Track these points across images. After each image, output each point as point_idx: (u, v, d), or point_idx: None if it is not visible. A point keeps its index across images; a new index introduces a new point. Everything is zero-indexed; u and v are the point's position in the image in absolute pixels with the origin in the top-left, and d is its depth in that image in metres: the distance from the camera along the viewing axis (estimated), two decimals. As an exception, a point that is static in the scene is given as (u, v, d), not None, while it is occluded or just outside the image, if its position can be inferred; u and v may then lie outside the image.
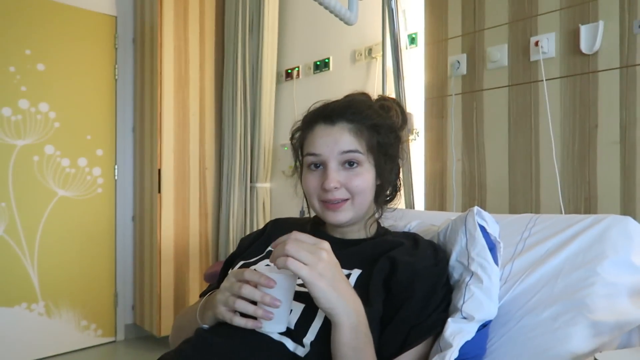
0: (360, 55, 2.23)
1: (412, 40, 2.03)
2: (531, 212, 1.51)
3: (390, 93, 1.92)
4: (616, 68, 1.42)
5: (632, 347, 0.79)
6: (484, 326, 0.83)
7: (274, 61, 2.66)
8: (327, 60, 2.41)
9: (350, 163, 0.91)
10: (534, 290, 0.88)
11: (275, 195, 2.70)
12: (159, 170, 2.63)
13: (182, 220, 2.72)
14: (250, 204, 2.67)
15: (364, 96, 1.01)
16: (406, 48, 2.03)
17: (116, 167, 2.84)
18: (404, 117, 1.01)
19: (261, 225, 2.65)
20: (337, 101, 0.97)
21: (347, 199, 0.91)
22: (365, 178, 0.91)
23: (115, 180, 2.84)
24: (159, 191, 2.63)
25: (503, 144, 1.65)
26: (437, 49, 1.86)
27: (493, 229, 0.91)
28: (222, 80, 2.87)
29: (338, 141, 0.90)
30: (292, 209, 2.54)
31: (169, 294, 2.67)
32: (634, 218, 1.27)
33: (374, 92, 2.12)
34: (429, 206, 1.85)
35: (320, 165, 0.93)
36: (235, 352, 0.78)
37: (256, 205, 2.65)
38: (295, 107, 2.60)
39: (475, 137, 1.72)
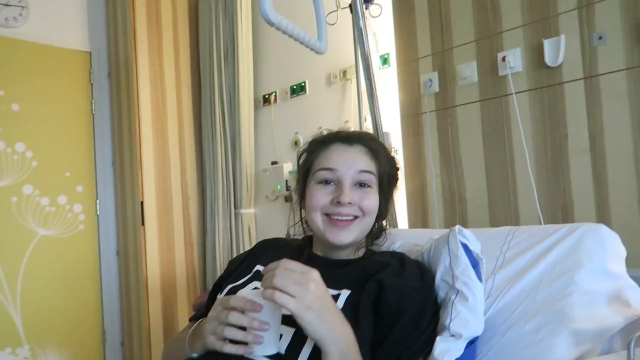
0: (335, 77, 2.28)
1: (385, 61, 2.08)
2: (511, 223, 1.55)
3: (366, 113, 1.97)
4: (580, 79, 1.48)
5: (614, 352, 0.82)
6: (472, 343, 0.85)
7: (250, 88, 2.69)
8: (303, 84, 2.45)
9: (362, 184, 0.94)
10: (515, 303, 0.91)
11: (260, 220, 2.71)
12: (142, 203, 2.62)
13: (167, 251, 2.70)
14: (236, 230, 2.67)
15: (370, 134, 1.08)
16: (379, 69, 2.08)
17: (97, 202, 2.82)
18: (396, 160, 1.06)
19: (246, 249, 2.65)
20: (351, 130, 1.03)
21: (357, 217, 0.94)
22: (375, 200, 0.95)
23: (98, 216, 2.82)
24: (142, 224, 2.61)
25: (479, 157, 1.69)
26: (409, 69, 1.92)
27: (475, 246, 0.94)
28: (200, 109, 2.88)
29: (355, 160, 0.94)
30: (277, 233, 2.55)
31: (157, 327, 2.64)
32: (609, 223, 1.31)
33: (350, 113, 2.17)
34: (412, 222, 1.88)
35: (332, 182, 0.95)
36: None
37: (242, 231, 2.66)
38: (274, 131, 2.62)
39: (452, 152, 1.77)
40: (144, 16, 2.68)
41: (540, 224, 1.49)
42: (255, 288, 0.93)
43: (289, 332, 0.82)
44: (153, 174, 2.67)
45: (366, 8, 1.97)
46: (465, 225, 1.69)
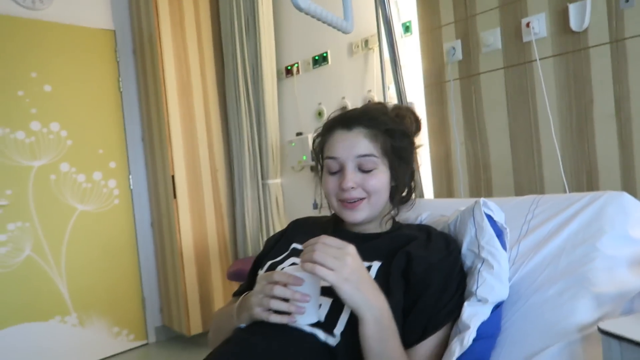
0: (357, 47, 2.29)
1: (407, 28, 2.08)
2: (535, 190, 1.58)
3: (389, 82, 1.98)
4: (606, 43, 1.47)
5: (634, 313, 0.87)
6: (497, 307, 0.91)
7: (272, 59, 2.72)
8: (325, 55, 2.47)
9: (366, 169, 0.99)
10: (539, 269, 0.96)
11: (287, 190, 2.79)
12: (172, 177, 2.72)
13: (199, 222, 2.82)
14: (264, 200, 2.76)
15: (380, 105, 1.09)
16: (401, 37, 2.09)
17: (130, 177, 2.93)
18: (417, 124, 1.09)
19: (276, 221, 2.74)
20: (354, 109, 1.06)
21: (363, 198, 1.00)
22: (380, 179, 0.99)
23: (131, 190, 2.94)
24: (175, 197, 2.72)
25: (503, 124, 1.71)
26: (432, 37, 1.92)
27: (499, 217, 0.99)
28: (224, 83, 2.93)
29: (355, 145, 0.99)
30: (304, 202, 2.62)
31: (194, 294, 2.78)
32: (634, 188, 1.34)
33: (373, 82, 2.19)
34: (437, 190, 1.92)
35: (339, 168, 1.01)
36: (274, 347, 0.87)
37: (270, 201, 2.74)
38: (298, 102, 2.66)
39: (477, 119, 1.79)
40: (165, -7, 2.70)
41: (565, 190, 1.52)
42: (294, 264, 1.00)
43: (327, 302, 0.89)
44: (182, 148, 2.75)
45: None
46: (490, 192, 1.73)
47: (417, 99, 2.01)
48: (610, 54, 1.46)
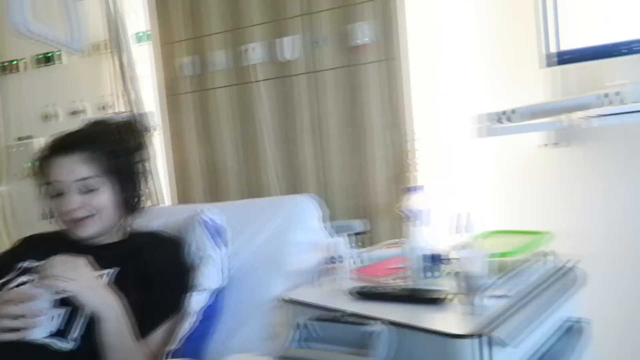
0: (93, 49, 2.24)
1: (142, 38, 2.17)
2: (259, 192, 1.90)
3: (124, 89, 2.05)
4: (306, 73, 1.87)
5: (314, 283, 1.21)
6: (219, 293, 1.14)
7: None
8: (59, 53, 2.32)
9: (85, 191, 1.07)
10: (251, 258, 1.24)
11: (14, 199, 2.53)
12: None
13: None
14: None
15: (101, 126, 1.18)
16: (137, 45, 2.16)
17: None
18: (141, 140, 1.21)
19: (2, 231, 2.47)
20: (72, 132, 1.12)
21: (90, 216, 1.09)
22: (103, 197, 1.09)
23: None
24: None
25: (232, 134, 1.98)
26: (168, 50, 2.06)
27: (220, 220, 1.22)
28: None
29: (73, 171, 1.06)
30: (34, 212, 2.43)
31: None
32: (328, 188, 1.75)
33: (108, 89, 2.20)
34: (179, 196, 2.08)
35: (60, 192, 1.07)
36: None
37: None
38: (22, 103, 2.45)
39: (211, 130, 2.01)
40: None
41: (277, 192, 1.87)
42: (23, 283, 1.03)
43: (62, 312, 0.97)
44: None
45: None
46: (223, 195, 1.98)
47: (155, 108, 2.12)
48: (308, 81, 1.86)
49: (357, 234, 1.48)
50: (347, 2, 1.76)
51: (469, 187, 1.74)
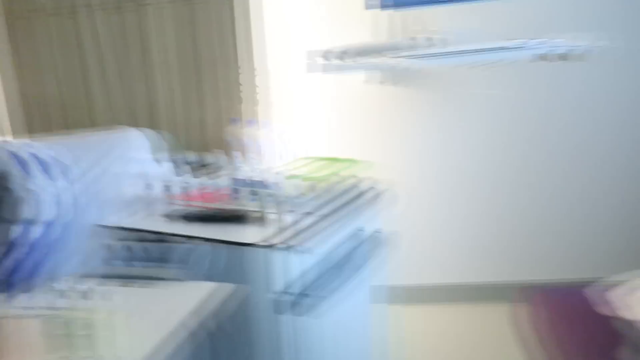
0: None
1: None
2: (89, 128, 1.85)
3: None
4: (144, 4, 1.80)
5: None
6: (50, 226, 1.15)
7: None
8: None
9: None
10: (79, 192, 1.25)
11: None
12: None
13: None
14: None
15: None
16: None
17: None
18: None
19: None
20: None
21: None
22: None
23: None
24: None
25: (59, 66, 1.87)
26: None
27: (47, 154, 1.20)
28: None
29: None
30: None
31: None
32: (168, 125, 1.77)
33: None
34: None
35: None
36: None
37: None
38: None
39: (34, 59, 1.87)
40: None
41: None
42: None
43: None
44: None
45: None
46: (57, 128, 1.89)
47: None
48: (148, 13, 1.81)
49: (202, 165, 1.54)
50: None
51: (303, 121, 1.88)
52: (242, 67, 1.74)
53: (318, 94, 1.89)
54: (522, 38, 1.57)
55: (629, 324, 0.87)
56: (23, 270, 1.11)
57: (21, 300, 0.88)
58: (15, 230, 1.13)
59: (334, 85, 1.87)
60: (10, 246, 1.13)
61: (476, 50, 1.56)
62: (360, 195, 1.28)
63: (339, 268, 1.16)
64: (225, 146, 1.52)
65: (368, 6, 1.63)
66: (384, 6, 1.63)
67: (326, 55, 1.67)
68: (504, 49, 1.55)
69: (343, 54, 1.68)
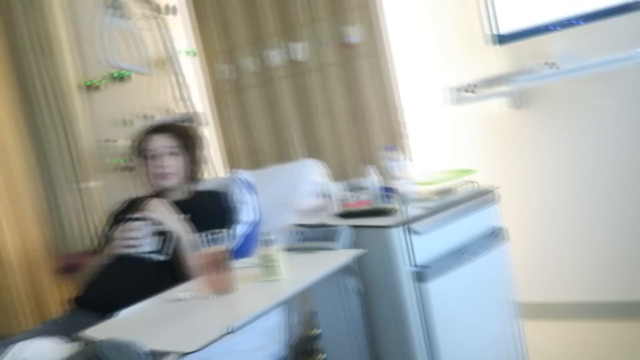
0: (155, 66, 2.99)
1: (194, 54, 2.89)
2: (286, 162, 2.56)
3: (181, 97, 2.78)
4: (315, 69, 2.50)
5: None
6: (254, 225, 1.82)
7: (73, 74, 3.23)
8: (129, 73, 3.10)
9: (172, 154, 1.79)
10: (272, 200, 1.91)
11: (105, 190, 3.36)
12: (-17, 192, 3.05)
13: (21, 229, 3.20)
14: (81, 201, 3.29)
15: (175, 121, 1.90)
16: (189, 58, 2.89)
17: None
18: (198, 130, 1.93)
19: (95, 216, 3.30)
20: (162, 122, 1.85)
21: (170, 173, 1.80)
22: (180, 162, 1.81)
23: None
24: (-11, 209, 3.06)
25: (265, 123, 2.66)
26: (211, 61, 2.77)
27: (250, 178, 1.89)
28: (23, 98, 3.33)
29: (165, 142, 1.78)
30: (120, 198, 3.24)
31: (22, 296, 3.17)
32: (337, 158, 2.39)
33: (168, 96, 2.94)
34: (229, 167, 2.79)
35: (154, 156, 1.79)
36: (125, 266, 1.63)
37: (88, 201, 3.28)
38: (106, 113, 3.26)
39: (248, 120, 2.70)
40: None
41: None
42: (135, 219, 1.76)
43: (158, 238, 1.68)
44: (-9, 163, 3.09)
45: (171, 14, 2.75)
46: (259, 165, 2.66)
47: (205, 107, 2.84)
48: (319, 75, 2.50)
49: (355, 187, 2.10)
50: (340, 8, 2.37)
51: (435, 145, 2.33)
52: (394, 108, 2.29)
53: (448, 121, 2.32)
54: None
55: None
56: (243, 250, 1.80)
57: (244, 260, 1.52)
58: (237, 228, 1.83)
59: (463, 113, 2.28)
60: (235, 237, 1.83)
61: (590, 66, 1.83)
62: (476, 196, 1.67)
63: (457, 252, 1.57)
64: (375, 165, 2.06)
65: (488, 42, 2.03)
66: (501, 41, 2.02)
67: (460, 89, 2.11)
68: (617, 60, 1.79)
69: (473, 86, 2.10)
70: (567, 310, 2.21)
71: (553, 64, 1.99)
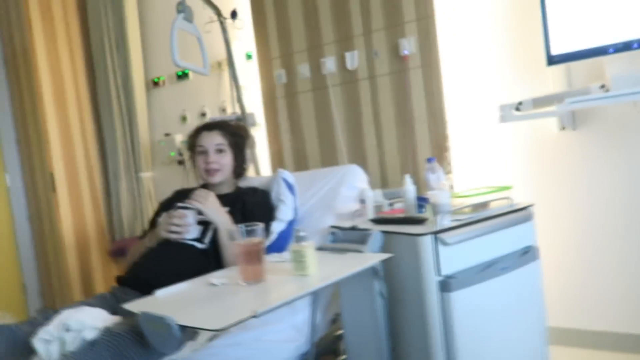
0: (213, 67, 3.16)
1: (249, 57, 3.03)
2: (331, 166, 2.64)
3: (236, 97, 2.92)
4: (366, 78, 2.57)
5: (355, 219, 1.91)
6: (291, 223, 1.91)
7: (141, 72, 3.47)
8: (187, 72, 3.30)
9: (220, 150, 1.91)
10: (311, 202, 1.99)
11: (158, 181, 3.57)
12: (52, 174, 3.32)
13: (77, 213, 3.46)
14: (138, 190, 3.51)
15: (227, 120, 2.02)
16: (246, 61, 3.03)
17: (7, 175, 3.44)
18: (248, 130, 2.05)
19: (149, 207, 3.51)
20: (214, 119, 1.98)
21: (218, 169, 1.92)
22: (228, 159, 1.93)
23: (8, 187, 3.45)
24: (54, 191, 3.33)
25: (313, 128, 2.75)
26: (266, 66, 2.89)
27: (291, 179, 1.98)
28: (95, 91, 3.59)
29: (214, 139, 1.92)
30: (171, 190, 3.43)
31: (75, 276, 3.42)
32: (386, 162, 2.44)
33: (225, 95, 3.10)
34: (273, 169, 2.90)
35: (204, 152, 1.92)
36: (171, 251, 1.75)
37: (142, 191, 3.49)
38: (165, 109, 3.46)
39: (298, 124, 2.80)
40: (38, 13, 3.29)
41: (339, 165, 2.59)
42: (181, 207, 1.89)
43: (201, 227, 1.80)
44: (59, 148, 3.36)
45: (233, 19, 2.90)
46: (305, 168, 2.75)
47: (258, 109, 2.97)
48: (370, 85, 2.56)
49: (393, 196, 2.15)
50: (398, 21, 2.43)
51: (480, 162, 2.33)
52: (441, 121, 2.32)
53: (494, 138, 2.32)
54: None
55: None
56: (278, 245, 1.89)
57: (278, 254, 1.61)
58: (274, 225, 1.92)
59: (509, 131, 2.28)
60: (270, 233, 1.92)
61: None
62: (510, 212, 1.68)
63: (486, 266, 1.58)
64: (415, 175, 2.10)
65: (541, 62, 2.03)
66: (554, 61, 2.01)
67: (512, 106, 2.12)
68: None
69: (521, 105, 2.10)
70: (594, 339, 2.16)
71: (603, 86, 1.97)
